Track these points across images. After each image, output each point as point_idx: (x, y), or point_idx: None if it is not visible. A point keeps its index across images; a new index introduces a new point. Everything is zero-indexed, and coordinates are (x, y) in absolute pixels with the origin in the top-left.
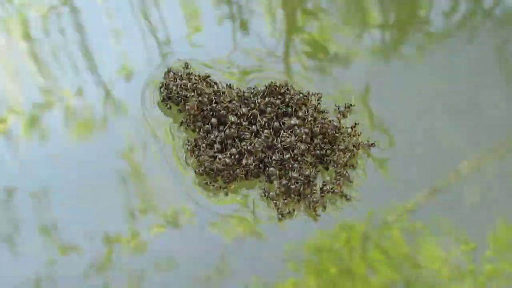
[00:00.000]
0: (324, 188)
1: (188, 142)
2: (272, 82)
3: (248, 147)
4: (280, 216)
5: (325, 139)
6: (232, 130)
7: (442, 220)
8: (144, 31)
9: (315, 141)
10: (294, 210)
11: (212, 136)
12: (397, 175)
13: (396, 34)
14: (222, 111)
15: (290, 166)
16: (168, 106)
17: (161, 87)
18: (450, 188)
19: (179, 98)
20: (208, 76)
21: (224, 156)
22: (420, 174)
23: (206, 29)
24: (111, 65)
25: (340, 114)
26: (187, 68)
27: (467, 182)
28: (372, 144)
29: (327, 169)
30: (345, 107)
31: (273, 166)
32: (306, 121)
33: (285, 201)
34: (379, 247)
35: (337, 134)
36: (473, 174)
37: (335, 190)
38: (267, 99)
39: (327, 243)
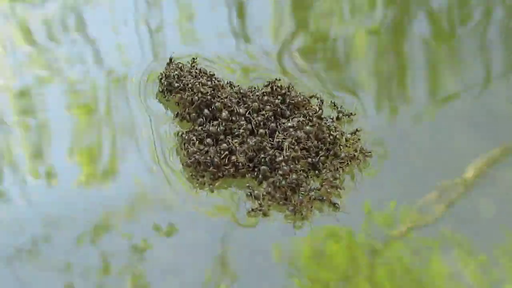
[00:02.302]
0: (311, 194)
1: (180, 133)
2: (276, 79)
3: (239, 145)
4: (253, 209)
5: (321, 145)
6: (219, 128)
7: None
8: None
9: (309, 144)
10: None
11: (205, 129)
12: (399, 182)
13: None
14: (218, 104)
15: (280, 167)
16: (166, 98)
17: (161, 78)
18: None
19: (176, 89)
20: (213, 75)
21: (214, 151)
22: (426, 180)
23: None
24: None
25: (339, 119)
26: (193, 63)
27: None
28: (369, 153)
29: (318, 176)
30: (344, 114)
31: (263, 165)
32: (302, 123)
33: (269, 202)
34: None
35: (334, 141)
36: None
37: (324, 198)
38: (266, 97)
39: (328, 259)
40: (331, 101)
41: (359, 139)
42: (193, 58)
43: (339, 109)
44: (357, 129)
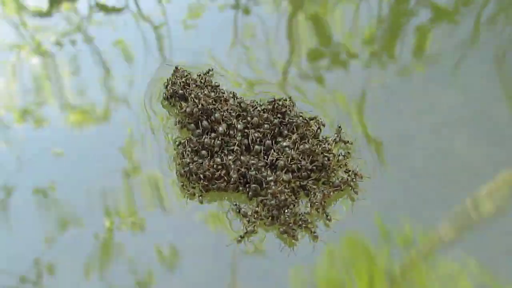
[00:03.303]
0: (297, 219)
1: (177, 143)
2: (280, 98)
3: (233, 162)
4: (241, 236)
5: (312, 166)
6: (215, 142)
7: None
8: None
9: (302, 163)
10: (255, 228)
11: (201, 141)
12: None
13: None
14: (217, 115)
15: (269, 187)
16: (172, 104)
17: (166, 85)
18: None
19: (180, 96)
20: (217, 86)
21: (207, 164)
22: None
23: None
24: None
25: (336, 142)
26: (207, 73)
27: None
28: (360, 176)
29: (307, 195)
30: (342, 141)
31: (254, 183)
32: (296, 143)
33: (255, 220)
34: None
35: (327, 162)
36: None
37: (308, 223)
38: (266, 115)
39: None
40: (338, 126)
41: (345, 164)
42: (209, 69)
43: (340, 134)
44: (348, 152)
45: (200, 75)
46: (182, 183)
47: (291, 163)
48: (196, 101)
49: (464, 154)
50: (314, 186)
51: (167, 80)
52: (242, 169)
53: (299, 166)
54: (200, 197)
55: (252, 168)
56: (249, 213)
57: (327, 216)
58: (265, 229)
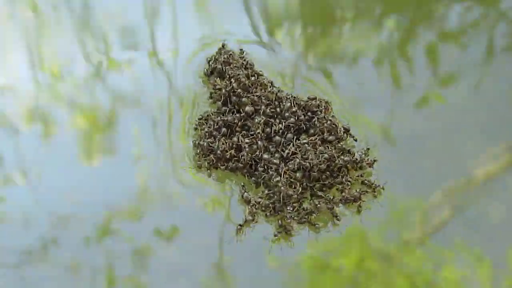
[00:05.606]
0: (301, 215)
1: (199, 116)
2: (319, 99)
3: (249, 145)
4: (240, 225)
5: (327, 173)
6: (238, 121)
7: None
8: None
9: (314, 161)
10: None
11: (224, 119)
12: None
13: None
14: (244, 99)
15: (278, 182)
16: (209, 79)
17: (209, 60)
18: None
19: (217, 72)
20: (261, 75)
21: (223, 141)
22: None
23: None
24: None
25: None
26: (242, 53)
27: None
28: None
29: (312, 196)
30: (365, 161)
31: (263, 172)
32: (316, 143)
33: (256, 210)
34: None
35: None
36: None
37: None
38: (295, 109)
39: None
40: (367, 148)
41: (361, 175)
42: (241, 49)
43: (364, 153)
44: (374, 160)
45: (242, 56)
46: (195, 153)
47: (306, 161)
48: (231, 80)
49: None
50: (322, 193)
51: (211, 56)
52: (257, 153)
53: (312, 165)
54: (209, 171)
55: (263, 163)
56: (252, 201)
57: (336, 216)
58: (266, 220)
